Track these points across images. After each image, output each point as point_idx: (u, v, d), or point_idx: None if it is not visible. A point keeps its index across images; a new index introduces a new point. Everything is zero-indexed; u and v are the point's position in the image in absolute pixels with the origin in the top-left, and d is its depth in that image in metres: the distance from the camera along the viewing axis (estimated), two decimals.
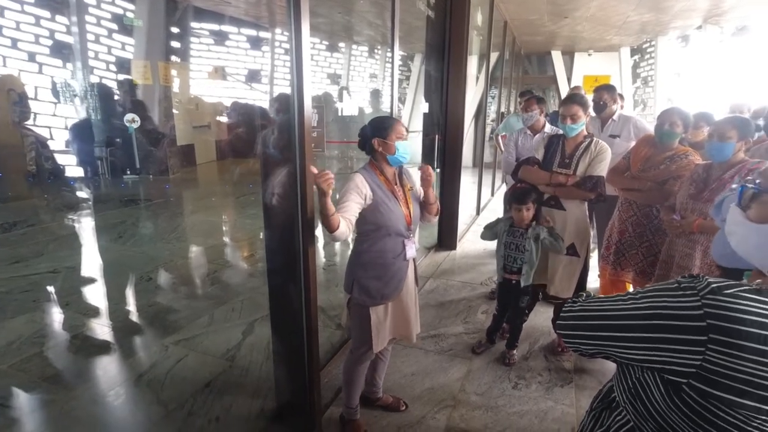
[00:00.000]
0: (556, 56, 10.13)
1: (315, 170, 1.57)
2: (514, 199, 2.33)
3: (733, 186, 0.76)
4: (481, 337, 2.70)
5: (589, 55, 10.00)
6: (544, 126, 3.35)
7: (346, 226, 1.58)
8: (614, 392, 0.77)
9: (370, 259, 1.75)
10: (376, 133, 1.71)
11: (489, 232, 2.48)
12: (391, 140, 1.69)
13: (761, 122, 2.35)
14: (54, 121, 4.95)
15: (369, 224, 1.72)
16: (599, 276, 2.75)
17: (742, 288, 0.60)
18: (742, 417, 0.57)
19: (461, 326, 2.90)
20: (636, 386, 0.68)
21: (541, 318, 2.95)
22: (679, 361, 0.60)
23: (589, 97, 2.70)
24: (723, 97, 6.66)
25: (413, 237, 1.83)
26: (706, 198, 1.97)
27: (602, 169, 2.28)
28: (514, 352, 2.52)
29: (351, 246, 1.88)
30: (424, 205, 1.87)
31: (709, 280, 0.62)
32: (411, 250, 1.81)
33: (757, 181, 0.69)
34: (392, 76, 2.81)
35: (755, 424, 0.57)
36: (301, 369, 1.88)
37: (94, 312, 3.01)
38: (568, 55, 10.17)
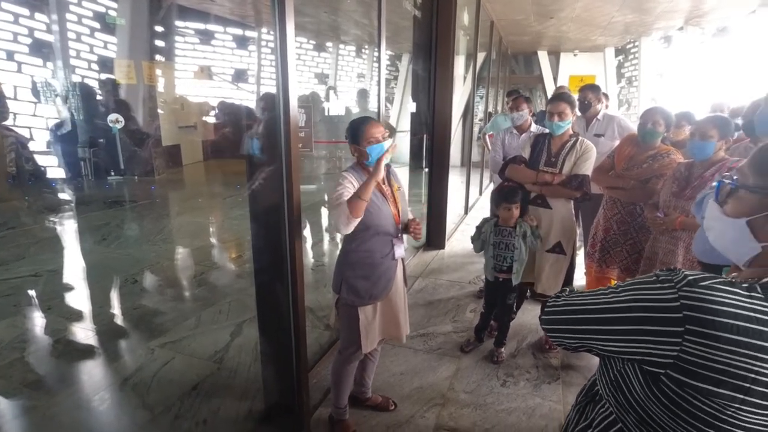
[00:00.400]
0: (543, 56, 10.24)
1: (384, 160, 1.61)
2: (503, 198, 2.35)
3: (713, 184, 0.77)
4: (469, 336, 2.71)
5: (575, 55, 10.13)
6: (530, 125, 3.38)
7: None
8: (597, 386, 0.78)
9: (358, 259, 1.74)
10: (350, 139, 1.71)
11: (479, 242, 2.47)
12: (362, 146, 1.66)
13: (740, 121, 2.40)
14: (34, 122, 4.83)
15: (358, 224, 1.70)
16: (585, 273, 2.78)
17: (716, 280, 0.62)
18: (717, 406, 0.58)
19: (450, 325, 2.92)
20: (617, 378, 0.69)
21: (528, 316, 2.98)
22: (657, 352, 0.61)
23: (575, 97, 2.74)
24: (704, 97, 6.80)
25: (402, 236, 1.83)
26: (688, 196, 2.01)
27: (587, 168, 2.31)
28: (503, 349, 2.54)
29: (339, 246, 1.86)
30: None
31: (686, 272, 0.63)
32: (399, 250, 1.81)
33: (734, 177, 0.70)
34: (379, 75, 2.81)
35: (729, 412, 0.58)
36: (289, 370, 1.87)
37: (77, 316, 2.95)
38: (554, 55, 10.29)
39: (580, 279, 2.99)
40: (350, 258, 1.76)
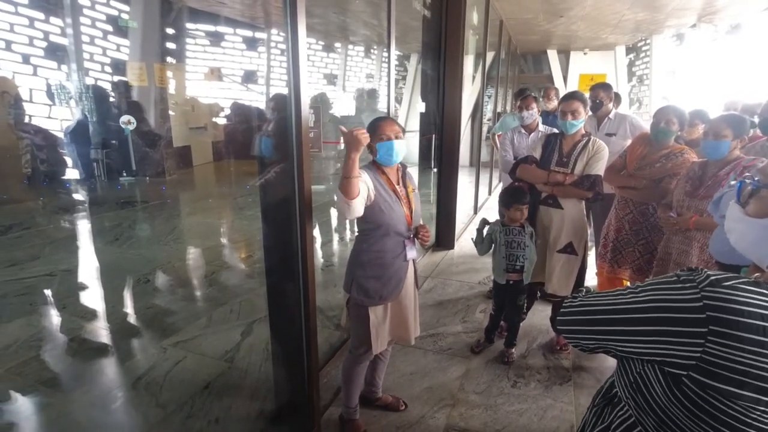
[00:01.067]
0: (552, 55, 10.16)
1: (344, 129, 1.55)
2: (514, 199, 2.34)
3: (731, 182, 0.76)
4: (479, 336, 2.70)
5: (585, 53, 10.04)
6: (537, 125, 3.35)
7: (362, 198, 1.56)
8: (615, 388, 0.77)
9: (369, 259, 1.74)
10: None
11: (483, 245, 2.45)
12: (374, 142, 1.68)
13: (756, 119, 2.36)
14: (49, 123, 4.92)
15: (369, 223, 1.71)
16: (597, 274, 2.76)
17: (740, 280, 0.61)
18: (740, 408, 0.57)
19: (460, 325, 2.91)
20: (637, 380, 0.68)
21: (539, 316, 2.96)
22: (679, 353, 0.60)
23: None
24: (718, 95, 6.70)
25: (413, 238, 1.82)
26: (702, 195, 1.98)
27: (600, 168, 2.29)
28: (513, 350, 2.53)
29: (350, 246, 1.87)
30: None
31: (708, 272, 0.62)
32: (411, 251, 1.80)
33: (756, 177, 0.69)
34: (389, 76, 2.81)
35: (754, 416, 0.57)
36: (300, 369, 1.87)
37: (91, 315, 3.00)
38: (564, 54, 10.20)
39: (591, 279, 2.97)
40: (361, 258, 1.75)
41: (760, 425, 0.57)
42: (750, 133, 2.01)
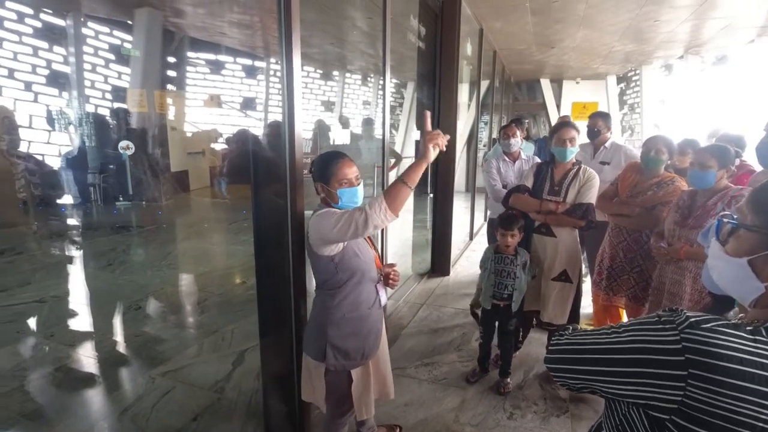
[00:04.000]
0: (545, 84, 10.40)
1: (430, 127, 1.37)
2: (500, 224, 2.35)
3: (720, 212, 0.77)
4: (474, 366, 2.65)
5: (577, 83, 10.29)
6: (519, 153, 3.39)
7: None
8: (603, 429, 0.75)
9: (343, 315, 1.52)
10: (317, 176, 1.49)
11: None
12: (333, 187, 1.46)
13: (740, 151, 2.42)
14: (47, 149, 4.96)
15: (344, 272, 1.49)
16: (592, 302, 2.74)
17: (720, 323, 0.60)
18: None
19: (455, 354, 2.86)
20: (622, 422, 0.67)
21: (535, 345, 2.91)
22: (660, 396, 0.59)
23: (582, 124, 2.76)
24: (706, 124, 6.84)
25: (382, 281, 1.66)
26: (691, 225, 1.99)
27: (591, 197, 2.31)
28: (509, 380, 2.48)
29: (310, 307, 1.65)
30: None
31: (688, 314, 0.62)
32: (384, 296, 1.65)
33: (735, 216, 0.70)
34: (384, 105, 2.87)
35: None
36: (290, 402, 1.83)
37: (79, 343, 2.93)
38: (557, 83, 10.46)
39: (587, 307, 2.94)
40: (333, 316, 1.51)
41: None
42: (736, 162, 2.04)
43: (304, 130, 1.65)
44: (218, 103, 7.98)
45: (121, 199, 6.02)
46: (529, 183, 2.47)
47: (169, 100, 6.84)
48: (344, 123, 8.57)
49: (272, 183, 1.69)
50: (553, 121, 10.05)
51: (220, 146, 7.54)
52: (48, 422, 2.22)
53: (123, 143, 5.65)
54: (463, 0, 3.95)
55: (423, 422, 2.19)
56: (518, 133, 3.33)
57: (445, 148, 1.36)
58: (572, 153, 2.35)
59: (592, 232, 2.79)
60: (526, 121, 3.57)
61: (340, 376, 1.55)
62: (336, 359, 1.51)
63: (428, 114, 1.42)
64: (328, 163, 1.47)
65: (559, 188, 2.36)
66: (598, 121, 3.19)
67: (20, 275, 3.88)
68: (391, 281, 1.66)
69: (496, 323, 2.48)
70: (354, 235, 1.36)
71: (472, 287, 4.04)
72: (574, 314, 2.48)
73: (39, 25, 4.49)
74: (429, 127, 1.38)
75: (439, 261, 4.37)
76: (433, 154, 1.36)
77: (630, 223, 2.41)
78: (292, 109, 1.55)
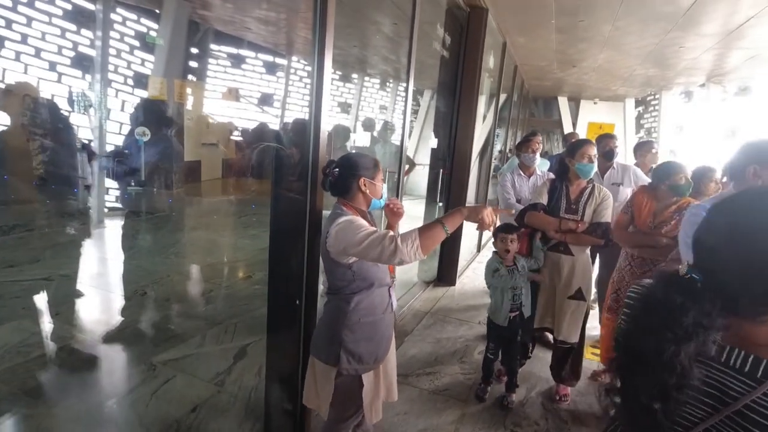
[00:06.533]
0: (563, 102, 10.38)
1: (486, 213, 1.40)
2: (501, 229, 2.35)
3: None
4: (476, 379, 2.62)
5: (595, 103, 10.26)
6: (535, 169, 3.39)
7: None
8: None
9: (358, 319, 1.51)
10: (363, 172, 1.51)
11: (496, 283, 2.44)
12: (378, 181, 1.52)
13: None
14: (65, 129, 5.00)
15: (361, 280, 1.49)
16: (601, 326, 2.70)
17: None
18: None
19: (457, 365, 2.83)
20: None
21: (539, 363, 2.88)
22: None
23: None
24: (724, 154, 6.77)
25: (394, 283, 1.66)
26: None
27: (608, 216, 2.30)
28: (513, 396, 2.45)
29: (322, 310, 1.66)
30: None
31: None
32: (395, 300, 1.67)
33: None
34: (405, 111, 2.87)
35: None
36: (293, 401, 1.82)
37: (84, 324, 2.95)
38: (575, 102, 10.43)
39: (591, 329, 2.90)
40: (349, 320, 1.50)
41: None
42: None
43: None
44: (236, 97, 8.03)
45: (133, 184, 6.05)
46: (543, 200, 2.45)
47: (189, 90, 6.89)
48: (365, 126, 8.61)
49: (293, 180, 1.69)
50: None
51: (235, 139, 7.59)
52: (48, 401, 2.22)
53: (139, 129, 5.69)
54: (489, 13, 3.95)
55: None
56: (537, 147, 3.32)
57: (489, 228, 1.42)
58: (593, 170, 2.34)
59: (604, 253, 2.77)
60: (542, 137, 3.58)
61: (351, 380, 1.54)
62: (349, 363, 1.50)
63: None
64: (371, 160, 1.54)
65: (576, 207, 2.34)
66: (610, 142, 3.19)
67: (30, 252, 3.92)
68: (397, 209, 1.67)
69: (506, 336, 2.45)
70: (376, 259, 1.36)
71: (478, 299, 4.02)
72: (582, 333, 2.45)
73: (69, 7, 4.55)
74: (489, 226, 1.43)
75: (446, 270, 4.35)
76: (472, 217, 1.40)
77: (655, 254, 2.36)
78: (319, 109, 1.56)
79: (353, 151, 1.62)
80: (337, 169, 1.50)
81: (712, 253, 0.70)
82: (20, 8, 4.11)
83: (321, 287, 1.64)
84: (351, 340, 1.50)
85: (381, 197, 1.55)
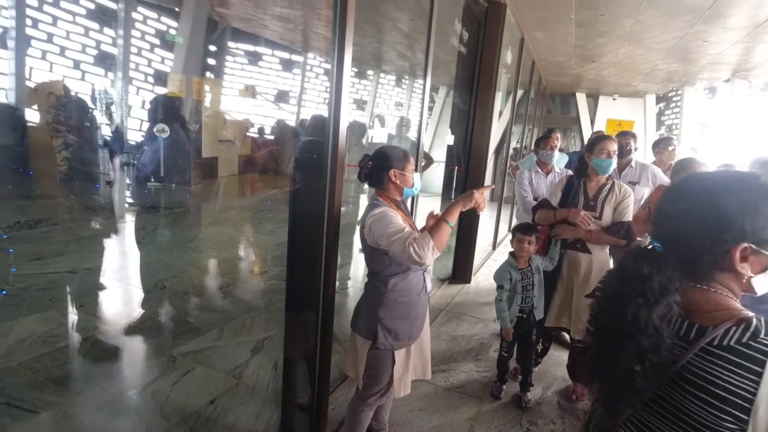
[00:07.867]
0: (581, 98, 10.20)
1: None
2: (519, 229, 2.33)
3: None
4: (491, 377, 2.61)
5: (614, 99, 10.05)
6: (553, 167, 3.34)
7: None
8: None
9: (395, 299, 1.65)
10: (393, 164, 1.63)
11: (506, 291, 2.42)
12: (408, 171, 1.65)
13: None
14: (88, 126, 5.12)
15: (397, 265, 1.62)
16: None
17: None
18: None
19: (472, 363, 2.83)
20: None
21: (554, 363, 2.86)
22: None
23: None
24: (748, 151, 6.58)
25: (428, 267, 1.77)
26: None
27: (630, 214, 2.26)
28: (529, 395, 2.43)
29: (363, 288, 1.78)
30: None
31: None
32: (429, 282, 1.77)
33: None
34: (422, 107, 2.86)
35: None
36: (309, 393, 1.84)
37: (107, 316, 3.02)
38: (593, 98, 10.24)
39: None
40: (386, 299, 1.63)
41: None
42: None
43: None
44: (253, 94, 8.11)
45: (152, 180, 6.17)
46: (555, 199, 2.42)
47: (207, 87, 6.98)
48: (382, 122, 8.62)
49: (313, 175, 1.70)
50: (586, 136, 9.84)
51: (252, 136, 7.66)
52: (73, 390, 2.29)
53: (159, 126, 5.78)
54: (507, 8, 3.90)
55: (437, 429, 2.18)
56: (556, 144, 3.28)
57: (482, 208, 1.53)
58: (612, 165, 2.30)
59: (616, 255, 2.72)
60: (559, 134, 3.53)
61: (384, 355, 1.66)
62: (386, 339, 1.63)
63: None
64: (401, 152, 1.66)
65: (594, 203, 2.31)
66: (630, 140, 3.13)
67: (55, 245, 4.03)
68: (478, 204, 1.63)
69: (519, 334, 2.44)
70: (401, 256, 1.49)
71: (493, 296, 3.97)
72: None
73: (92, 6, 4.64)
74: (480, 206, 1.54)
75: (461, 268, 4.33)
76: (468, 204, 1.52)
77: None
78: (339, 105, 1.57)
79: (390, 145, 1.70)
80: (371, 162, 1.63)
81: (671, 219, 0.80)
82: (45, 8, 4.21)
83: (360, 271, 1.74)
84: (388, 318, 1.63)
85: (412, 186, 1.66)
